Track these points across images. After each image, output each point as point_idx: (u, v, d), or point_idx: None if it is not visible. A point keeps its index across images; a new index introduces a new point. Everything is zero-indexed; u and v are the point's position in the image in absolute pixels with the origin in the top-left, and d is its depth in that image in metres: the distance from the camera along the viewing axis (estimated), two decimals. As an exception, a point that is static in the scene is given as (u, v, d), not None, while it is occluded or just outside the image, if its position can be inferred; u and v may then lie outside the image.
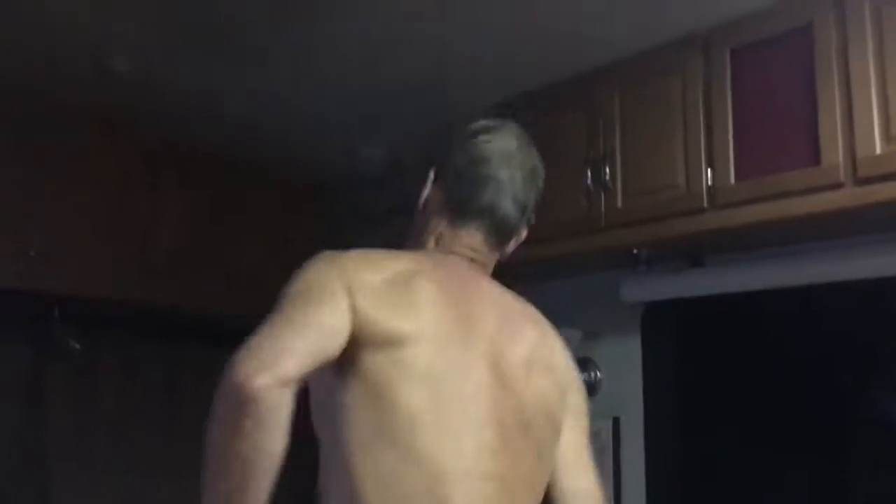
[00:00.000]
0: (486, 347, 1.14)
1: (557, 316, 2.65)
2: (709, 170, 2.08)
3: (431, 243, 1.26)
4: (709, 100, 2.10)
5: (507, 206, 1.25)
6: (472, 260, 1.25)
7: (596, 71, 2.36)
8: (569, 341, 2.63)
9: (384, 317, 1.05)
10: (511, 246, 1.32)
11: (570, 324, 2.63)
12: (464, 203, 1.24)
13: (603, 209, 2.30)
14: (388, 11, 2.14)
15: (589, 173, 2.32)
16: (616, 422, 2.56)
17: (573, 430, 1.29)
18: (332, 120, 2.87)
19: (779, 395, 2.27)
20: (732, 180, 2.03)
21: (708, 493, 2.37)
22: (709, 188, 2.07)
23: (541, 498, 1.20)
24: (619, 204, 2.27)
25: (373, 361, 1.04)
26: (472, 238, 1.25)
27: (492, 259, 1.29)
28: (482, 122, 1.31)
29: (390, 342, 1.05)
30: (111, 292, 2.89)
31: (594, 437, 2.60)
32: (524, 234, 1.32)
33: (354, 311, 1.04)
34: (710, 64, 2.11)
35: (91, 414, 3.22)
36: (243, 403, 0.90)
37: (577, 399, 1.31)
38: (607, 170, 2.29)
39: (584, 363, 2.65)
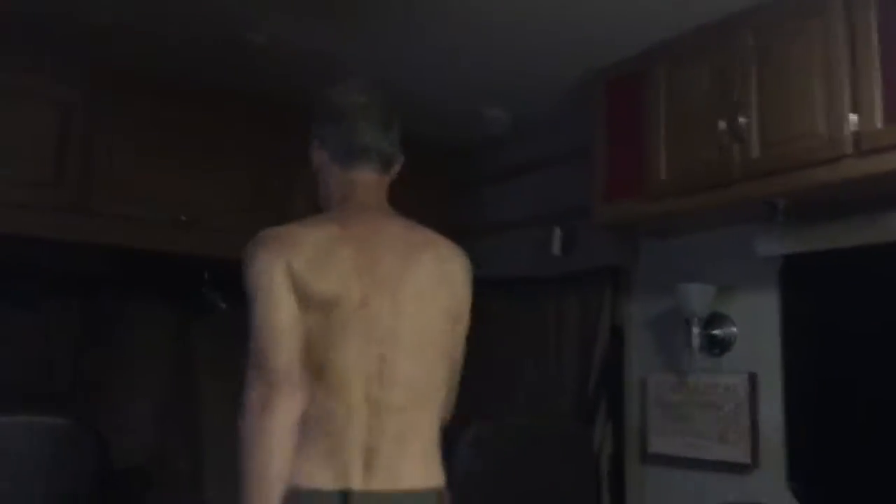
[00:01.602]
0: (390, 284, 1.49)
1: (690, 272, 2.65)
2: (853, 115, 1.99)
3: (338, 194, 1.60)
4: (853, 42, 2.00)
5: (381, 142, 1.59)
6: (370, 196, 1.60)
7: (728, 19, 2.28)
8: (703, 297, 2.62)
9: (315, 280, 1.43)
10: (395, 169, 1.66)
11: (703, 279, 2.60)
12: (345, 154, 1.59)
13: (737, 160, 2.24)
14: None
15: (722, 124, 2.26)
16: (752, 377, 2.52)
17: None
18: (456, 85, 2.91)
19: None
20: (880, 124, 1.94)
21: (849, 448, 2.31)
22: (853, 134, 1.99)
23: (442, 392, 1.58)
24: (756, 154, 2.21)
25: (311, 313, 1.44)
26: (364, 175, 1.59)
27: (385, 183, 1.64)
28: (338, 86, 1.64)
29: (320, 300, 1.43)
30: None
31: (730, 391, 2.59)
32: (401, 158, 1.66)
33: (294, 277, 1.42)
34: (851, 4, 2.01)
35: (235, 369, 3.43)
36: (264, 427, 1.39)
37: (466, 307, 1.64)
38: (742, 120, 2.23)
39: (718, 319, 2.62)
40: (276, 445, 1.38)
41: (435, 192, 3.34)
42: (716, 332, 2.62)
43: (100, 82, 2.73)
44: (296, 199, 3.11)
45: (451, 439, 1.76)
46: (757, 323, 2.54)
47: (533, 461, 2.67)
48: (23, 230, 2.58)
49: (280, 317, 1.42)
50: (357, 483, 1.41)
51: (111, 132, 2.73)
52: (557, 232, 3.02)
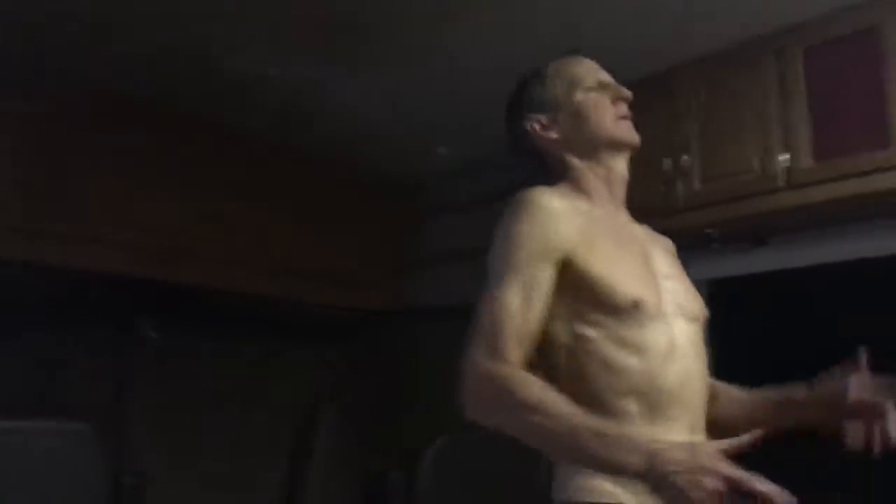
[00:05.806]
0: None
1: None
2: (784, 154, 2.33)
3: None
4: (784, 92, 2.36)
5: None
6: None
7: (676, 68, 2.62)
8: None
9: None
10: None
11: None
12: None
13: (681, 193, 2.54)
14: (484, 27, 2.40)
15: (668, 163, 2.56)
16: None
17: None
18: (423, 121, 3.12)
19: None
20: (809, 163, 2.29)
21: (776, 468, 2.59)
22: (785, 170, 2.32)
23: None
24: (697, 187, 2.52)
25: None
26: None
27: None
28: None
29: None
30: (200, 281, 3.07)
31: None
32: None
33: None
34: (783, 61, 2.38)
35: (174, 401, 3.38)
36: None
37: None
38: (685, 158, 2.53)
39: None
40: None
41: (386, 225, 3.50)
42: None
43: (96, 109, 2.79)
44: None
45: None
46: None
47: (499, 472, 2.78)
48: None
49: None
50: None
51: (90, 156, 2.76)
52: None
